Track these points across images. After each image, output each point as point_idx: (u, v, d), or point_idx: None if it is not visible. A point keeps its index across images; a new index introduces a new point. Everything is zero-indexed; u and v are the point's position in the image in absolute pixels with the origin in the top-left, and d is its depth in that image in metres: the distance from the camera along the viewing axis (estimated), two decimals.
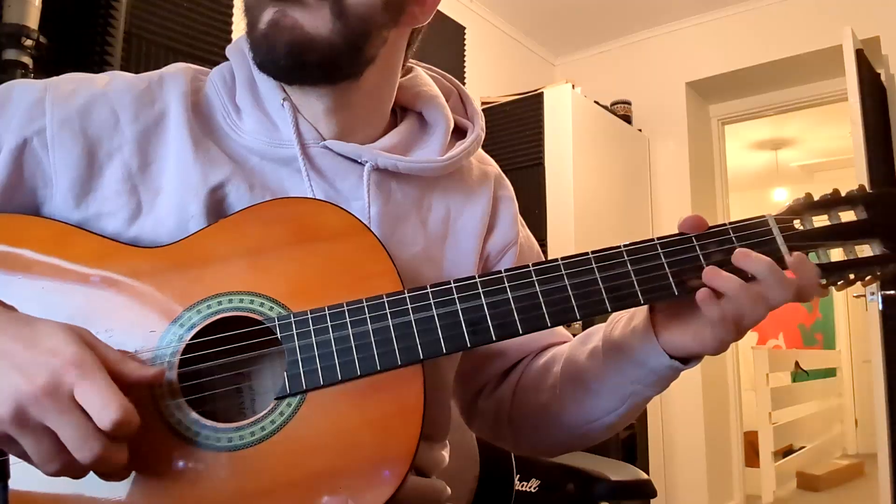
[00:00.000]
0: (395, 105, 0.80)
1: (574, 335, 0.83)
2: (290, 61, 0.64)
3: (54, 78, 0.69)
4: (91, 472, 0.51)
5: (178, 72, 0.72)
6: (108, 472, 0.51)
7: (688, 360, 0.65)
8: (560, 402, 0.75)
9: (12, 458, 0.53)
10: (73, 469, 0.50)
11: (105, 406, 0.48)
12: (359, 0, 0.65)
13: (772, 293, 0.59)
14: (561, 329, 0.85)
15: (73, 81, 0.68)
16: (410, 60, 0.82)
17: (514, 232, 0.83)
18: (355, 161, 0.72)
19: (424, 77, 0.82)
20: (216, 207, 0.66)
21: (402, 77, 0.79)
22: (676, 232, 0.63)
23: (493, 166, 0.87)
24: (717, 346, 0.62)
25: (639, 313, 0.68)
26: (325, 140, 0.72)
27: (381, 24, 0.68)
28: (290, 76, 0.68)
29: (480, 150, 0.85)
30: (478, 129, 0.81)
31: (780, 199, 5.76)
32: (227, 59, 0.76)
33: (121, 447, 0.50)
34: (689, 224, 0.63)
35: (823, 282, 0.62)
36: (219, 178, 0.67)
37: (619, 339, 0.69)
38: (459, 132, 0.82)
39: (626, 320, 0.69)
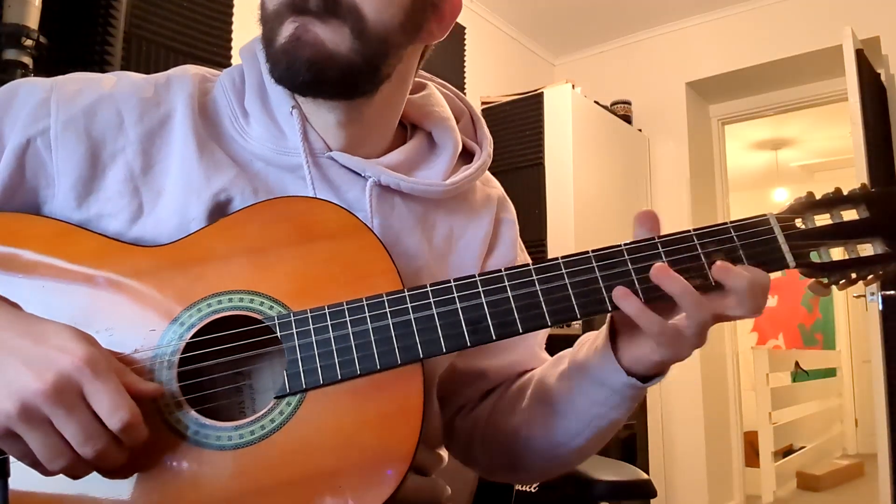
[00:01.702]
0: (406, 120, 0.79)
1: (574, 336, 0.83)
2: (311, 76, 0.64)
3: (60, 77, 0.69)
4: (91, 472, 0.51)
5: (185, 74, 0.72)
6: (109, 469, 0.52)
7: (649, 378, 0.64)
8: (528, 425, 0.73)
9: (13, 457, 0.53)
10: (76, 467, 0.50)
11: (117, 408, 0.49)
12: (378, 20, 0.65)
13: (690, 314, 0.58)
14: (545, 355, 0.84)
15: (79, 82, 0.68)
16: (424, 75, 0.82)
17: (512, 254, 0.82)
18: (359, 175, 0.72)
19: (437, 97, 0.82)
20: (219, 211, 0.66)
21: (415, 93, 0.79)
22: (675, 231, 0.63)
23: (497, 189, 0.86)
24: (672, 353, 0.60)
25: (601, 333, 0.66)
26: (331, 151, 0.71)
27: (399, 43, 0.68)
28: (308, 90, 0.68)
29: (486, 173, 0.84)
30: (485, 154, 0.81)
31: (780, 199, 5.75)
32: (227, 60, 0.75)
33: (121, 445, 0.51)
34: (642, 219, 0.63)
35: (825, 280, 0.62)
36: (222, 182, 0.66)
37: (583, 360, 0.68)
38: (467, 154, 0.82)
39: (591, 340, 0.69)
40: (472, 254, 0.78)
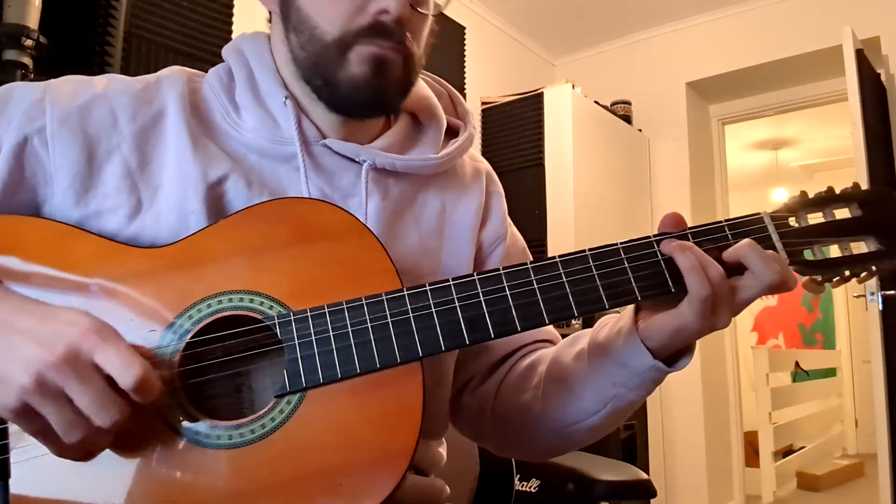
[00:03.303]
0: None
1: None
2: (400, 99, 0.73)
3: (53, 80, 0.70)
4: (93, 470, 0.52)
5: (173, 74, 0.74)
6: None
7: (673, 361, 0.64)
8: (542, 403, 0.74)
9: (13, 458, 0.53)
10: (91, 440, 0.51)
11: (128, 365, 0.50)
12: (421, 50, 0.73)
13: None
14: (550, 328, 0.85)
15: (73, 83, 0.70)
16: None
17: (503, 227, 0.85)
18: (353, 160, 0.73)
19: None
20: (215, 203, 0.67)
21: None
22: (671, 231, 0.64)
23: (484, 163, 0.89)
24: (698, 320, 0.59)
25: (625, 315, 0.67)
26: (325, 138, 0.73)
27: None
28: (374, 112, 0.75)
29: (471, 149, 0.87)
30: (469, 127, 0.84)
31: (779, 199, 5.75)
32: None
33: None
34: (668, 222, 0.63)
35: (819, 278, 0.63)
36: (217, 175, 0.68)
37: (604, 341, 0.68)
38: (452, 132, 0.84)
39: (612, 323, 0.69)
40: (466, 226, 0.80)
